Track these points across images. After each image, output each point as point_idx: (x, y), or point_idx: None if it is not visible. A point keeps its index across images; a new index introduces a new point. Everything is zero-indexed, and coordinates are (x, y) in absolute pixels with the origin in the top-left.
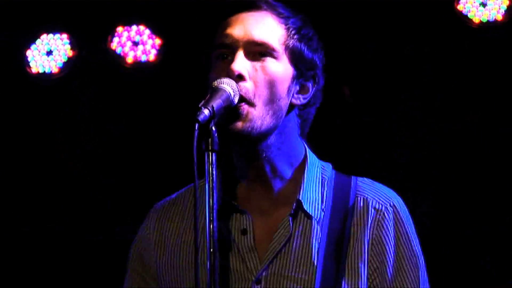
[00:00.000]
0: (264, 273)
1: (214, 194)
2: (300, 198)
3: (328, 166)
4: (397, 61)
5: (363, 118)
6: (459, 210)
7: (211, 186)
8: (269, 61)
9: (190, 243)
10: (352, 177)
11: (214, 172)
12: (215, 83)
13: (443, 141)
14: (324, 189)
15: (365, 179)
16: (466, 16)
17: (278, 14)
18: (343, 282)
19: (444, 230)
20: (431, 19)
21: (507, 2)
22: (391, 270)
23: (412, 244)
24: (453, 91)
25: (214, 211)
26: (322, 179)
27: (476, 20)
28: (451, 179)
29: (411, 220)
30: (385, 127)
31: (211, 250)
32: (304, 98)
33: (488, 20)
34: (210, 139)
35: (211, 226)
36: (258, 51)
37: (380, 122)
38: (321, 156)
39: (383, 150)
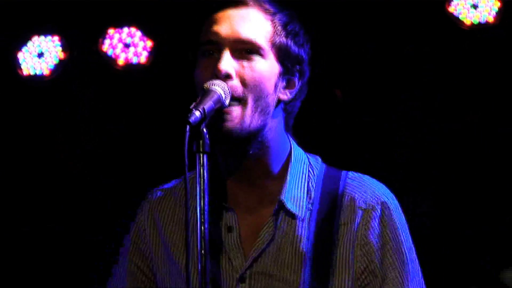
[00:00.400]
0: (248, 272)
1: (206, 196)
2: (283, 198)
3: (317, 160)
4: (390, 63)
5: (362, 119)
6: (459, 210)
7: (202, 188)
8: (256, 59)
9: (181, 236)
10: (342, 172)
11: (205, 174)
12: (206, 85)
13: (436, 141)
14: (311, 185)
15: (355, 174)
16: (458, 18)
17: (265, 11)
18: (330, 282)
19: (444, 230)
20: (422, 21)
21: (498, 4)
22: (380, 269)
23: (401, 241)
24: (446, 92)
25: (206, 213)
26: (309, 174)
27: (467, 22)
28: (451, 179)
29: (401, 216)
30: (383, 127)
31: (202, 252)
32: (290, 93)
33: (479, 22)
34: (201, 141)
35: (202, 228)
36: (245, 49)
37: (378, 122)
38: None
39: (383, 150)
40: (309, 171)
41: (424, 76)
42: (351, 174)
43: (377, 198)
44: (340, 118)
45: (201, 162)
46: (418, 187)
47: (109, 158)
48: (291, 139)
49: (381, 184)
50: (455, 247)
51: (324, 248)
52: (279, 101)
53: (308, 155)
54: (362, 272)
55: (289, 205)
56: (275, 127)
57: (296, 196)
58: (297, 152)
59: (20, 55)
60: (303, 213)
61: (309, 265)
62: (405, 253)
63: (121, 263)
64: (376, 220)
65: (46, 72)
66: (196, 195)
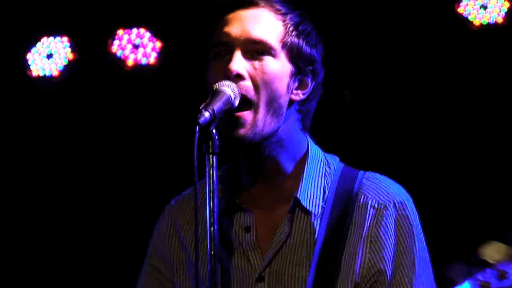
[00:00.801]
0: (266, 271)
1: (215, 197)
2: (298, 196)
3: (335, 159)
4: (399, 63)
5: (364, 119)
6: (459, 210)
7: (211, 189)
8: (267, 60)
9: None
10: (360, 171)
11: (214, 175)
12: (216, 85)
13: (445, 140)
14: (326, 184)
15: (372, 174)
16: (467, 18)
17: (276, 11)
18: (337, 278)
19: (444, 229)
20: (431, 21)
21: (508, 5)
22: (390, 267)
23: (412, 241)
24: (454, 92)
25: (215, 214)
26: (325, 173)
27: (476, 22)
28: (467, 177)
29: (415, 216)
30: (386, 128)
31: (212, 253)
32: (303, 94)
33: (488, 23)
34: (210, 142)
35: (212, 229)
36: (256, 49)
37: (381, 123)
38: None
39: (397, 150)
40: (325, 170)
41: (433, 76)
42: (368, 174)
43: (391, 198)
44: (355, 119)
45: (211, 163)
46: (418, 188)
47: (117, 159)
48: (308, 138)
49: (398, 185)
50: (454, 247)
51: (334, 245)
52: (292, 101)
53: (326, 155)
54: (370, 269)
55: (305, 203)
56: (289, 127)
57: (311, 194)
58: (314, 152)
59: (29, 56)
60: (318, 210)
61: (318, 261)
62: (416, 254)
63: (143, 273)
64: (388, 219)
65: (55, 73)
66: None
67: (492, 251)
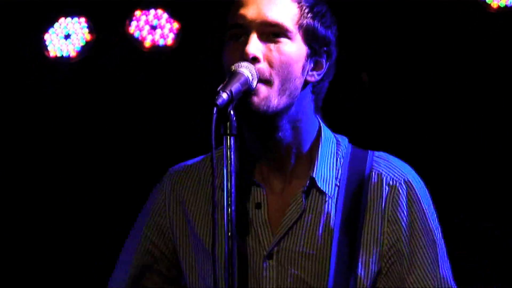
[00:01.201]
0: (275, 248)
1: (232, 178)
2: (314, 175)
3: (344, 140)
4: (416, 46)
5: (387, 102)
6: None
7: (229, 170)
8: (283, 42)
9: (206, 213)
10: (369, 151)
11: (232, 156)
12: (234, 67)
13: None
14: (338, 164)
15: (382, 153)
16: (484, 1)
17: None
18: (358, 259)
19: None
20: (448, 4)
21: None
22: (407, 247)
23: (428, 219)
24: (471, 75)
25: (233, 195)
26: (337, 154)
27: (494, 5)
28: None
29: (427, 195)
30: (407, 111)
31: (229, 234)
32: (318, 75)
33: (506, 5)
34: (228, 123)
35: (229, 210)
36: (272, 32)
37: (403, 106)
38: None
39: (410, 134)
40: (337, 150)
41: (450, 59)
42: (377, 153)
43: (403, 176)
44: (367, 101)
45: (228, 144)
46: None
47: (135, 139)
48: (320, 120)
49: (406, 164)
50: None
51: (352, 225)
52: (306, 82)
53: (336, 136)
54: (389, 249)
55: (320, 183)
56: (303, 108)
57: (325, 174)
58: (326, 133)
59: (47, 37)
60: (332, 191)
61: (338, 242)
62: (434, 232)
63: (132, 239)
64: (403, 197)
65: (72, 54)
66: (222, 174)
67: None
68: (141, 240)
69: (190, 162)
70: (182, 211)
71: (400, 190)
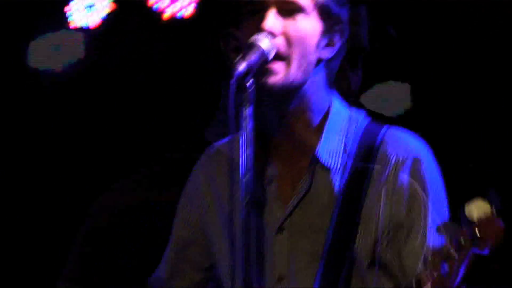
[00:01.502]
0: (286, 222)
1: (250, 147)
2: (317, 152)
3: (360, 114)
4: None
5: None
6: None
7: (246, 139)
8: (299, 18)
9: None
10: (384, 126)
11: (249, 126)
12: (251, 39)
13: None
14: (349, 138)
15: (396, 129)
16: None
17: None
18: (357, 230)
19: None
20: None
21: None
22: (406, 221)
23: (430, 194)
24: (490, 62)
25: (250, 162)
26: (348, 129)
27: None
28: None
29: (434, 170)
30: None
31: (246, 201)
32: (331, 52)
33: None
34: (245, 94)
35: (247, 176)
36: (289, 8)
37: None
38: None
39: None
40: (349, 124)
41: (468, 45)
42: (391, 129)
43: (410, 152)
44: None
45: (245, 114)
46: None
47: (152, 111)
48: (333, 95)
49: (418, 139)
50: None
51: (354, 198)
52: (320, 59)
53: (352, 110)
54: (389, 223)
55: (324, 158)
56: (315, 84)
57: (331, 149)
58: (338, 107)
59: (69, 7)
60: (338, 165)
61: (338, 214)
62: (436, 206)
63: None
64: (406, 172)
65: (93, 24)
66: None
67: (473, 209)
68: (181, 227)
69: (224, 140)
70: (212, 195)
71: (403, 166)
